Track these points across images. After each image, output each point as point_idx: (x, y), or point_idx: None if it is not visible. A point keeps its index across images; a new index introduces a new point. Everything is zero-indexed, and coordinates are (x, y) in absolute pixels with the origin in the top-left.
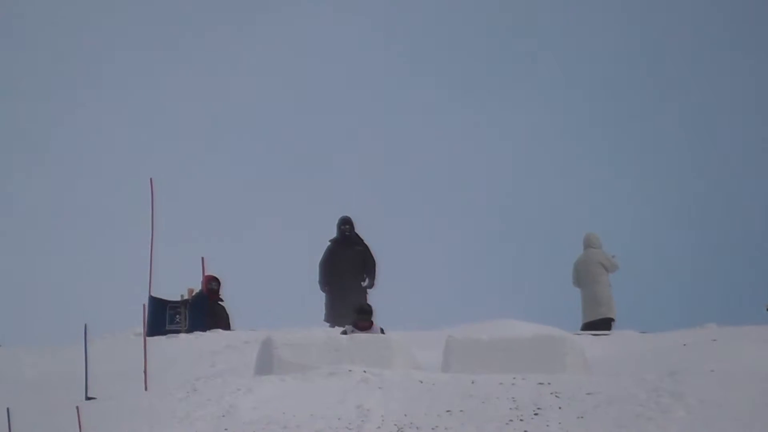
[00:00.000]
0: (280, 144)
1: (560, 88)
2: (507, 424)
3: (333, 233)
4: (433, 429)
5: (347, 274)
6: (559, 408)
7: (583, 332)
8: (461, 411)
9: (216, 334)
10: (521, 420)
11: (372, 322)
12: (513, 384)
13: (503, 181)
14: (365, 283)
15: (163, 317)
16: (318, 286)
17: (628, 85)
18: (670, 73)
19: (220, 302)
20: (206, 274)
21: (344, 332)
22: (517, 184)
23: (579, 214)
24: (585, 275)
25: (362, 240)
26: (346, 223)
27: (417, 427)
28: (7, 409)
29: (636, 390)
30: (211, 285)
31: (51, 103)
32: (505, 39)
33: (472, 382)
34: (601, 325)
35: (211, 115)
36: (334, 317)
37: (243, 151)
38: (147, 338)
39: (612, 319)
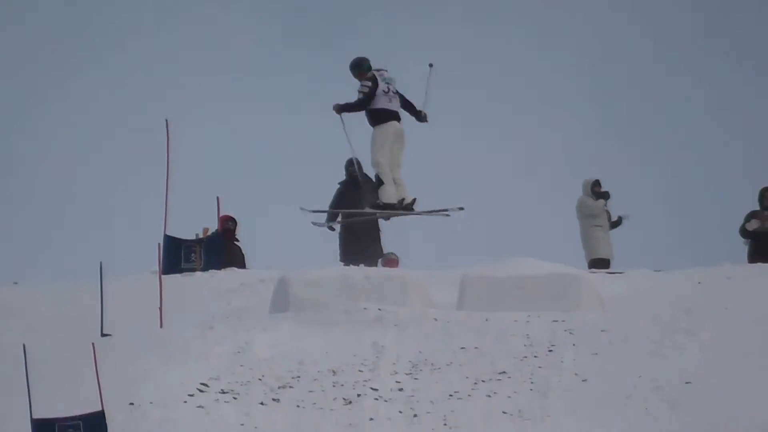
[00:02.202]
0: (295, 84)
1: None
2: (521, 360)
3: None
4: (447, 365)
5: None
6: (573, 345)
7: (597, 270)
8: (476, 348)
9: (231, 273)
10: (535, 357)
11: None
12: (527, 321)
13: (523, 118)
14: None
15: (178, 256)
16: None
17: None
18: None
19: (235, 242)
20: (222, 213)
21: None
22: (535, 121)
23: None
24: (581, 217)
25: (371, 179)
26: (352, 164)
27: (431, 364)
28: (23, 346)
29: (650, 327)
30: (227, 224)
31: (63, 43)
32: None
33: (487, 320)
34: (598, 265)
35: (228, 55)
36: (348, 258)
37: (259, 91)
38: (162, 276)
39: (602, 259)
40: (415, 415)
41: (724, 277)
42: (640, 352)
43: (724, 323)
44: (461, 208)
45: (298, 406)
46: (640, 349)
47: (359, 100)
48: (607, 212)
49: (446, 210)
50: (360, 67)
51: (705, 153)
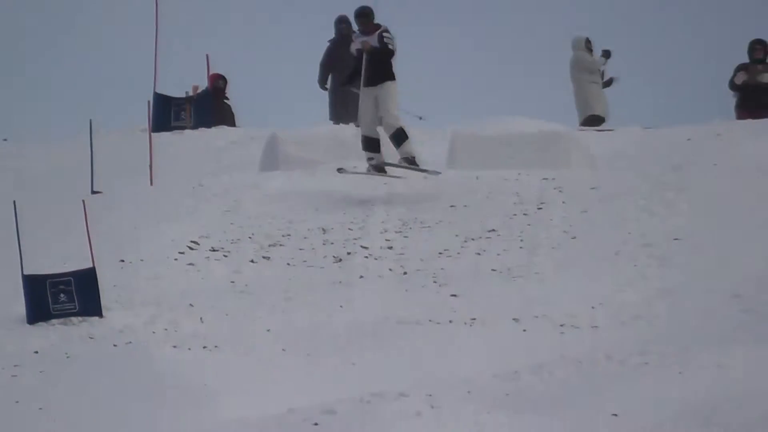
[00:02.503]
0: None
1: None
2: (510, 218)
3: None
4: (437, 224)
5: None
6: (563, 203)
7: (586, 128)
8: (465, 206)
9: (221, 131)
10: (525, 214)
11: (376, 25)
12: (517, 179)
13: None
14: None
15: (168, 114)
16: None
17: None
18: None
19: (225, 100)
20: (212, 72)
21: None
22: None
23: (586, 11)
24: (574, 74)
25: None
26: (342, 22)
27: (421, 222)
28: (14, 202)
29: (640, 184)
30: (217, 83)
31: None
32: None
33: (477, 178)
34: (591, 122)
35: None
36: (338, 116)
37: None
38: (152, 134)
39: (597, 116)
40: (404, 273)
41: (713, 134)
42: (629, 209)
43: (713, 179)
44: (437, 172)
45: (288, 264)
46: (629, 206)
47: (394, 49)
48: (601, 72)
49: (426, 170)
50: (369, 17)
51: (694, 7)
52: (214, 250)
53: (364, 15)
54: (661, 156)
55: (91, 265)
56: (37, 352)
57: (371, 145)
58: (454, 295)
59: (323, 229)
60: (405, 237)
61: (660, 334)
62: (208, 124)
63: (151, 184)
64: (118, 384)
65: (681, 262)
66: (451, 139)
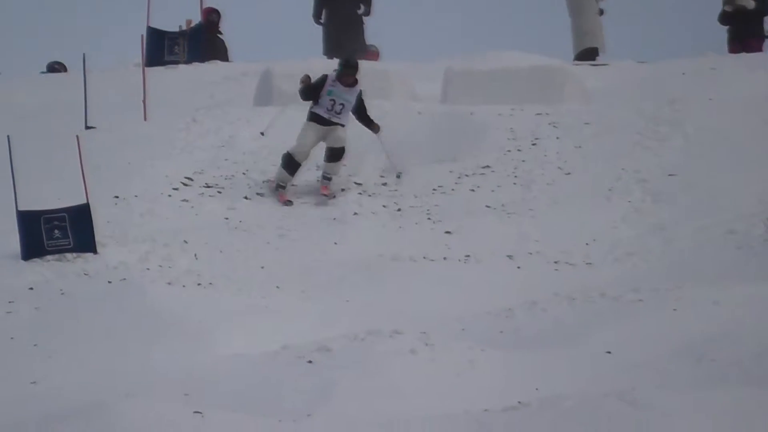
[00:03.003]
0: None
1: None
2: (505, 154)
3: None
4: (432, 160)
5: (344, 6)
6: (557, 138)
7: (581, 62)
8: (459, 141)
9: (214, 66)
10: (519, 150)
11: (356, 79)
12: (511, 115)
13: None
14: (361, 11)
15: (161, 48)
16: (312, 20)
17: None
18: None
19: (219, 34)
20: (206, 6)
21: (323, 79)
22: None
23: None
24: (572, 6)
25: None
26: None
27: (416, 158)
28: (8, 137)
29: (634, 119)
30: (211, 17)
31: None
32: None
33: (471, 113)
34: (587, 54)
35: None
36: (332, 50)
37: None
38: (145, 69)
39: (597, 49)
40: (398, 209)
41: (708, 68)
42: (623, 145)
43: (707, 114)
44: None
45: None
46: (623, 141)
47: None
48: (598, 3)
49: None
50: (357, 70)
51: None
52: (208, 186)
53: (353, 67)
54: (656, 90)
55: (85, 201)
56: (31, 288)
57: (292, 167)
58: (449, 232)
59: (317, 165)
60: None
61: (654, 270)
62: (202, 59)
63: (145, 119)
64: (112, 320)
65: (675, 198)
66: (445, 75)
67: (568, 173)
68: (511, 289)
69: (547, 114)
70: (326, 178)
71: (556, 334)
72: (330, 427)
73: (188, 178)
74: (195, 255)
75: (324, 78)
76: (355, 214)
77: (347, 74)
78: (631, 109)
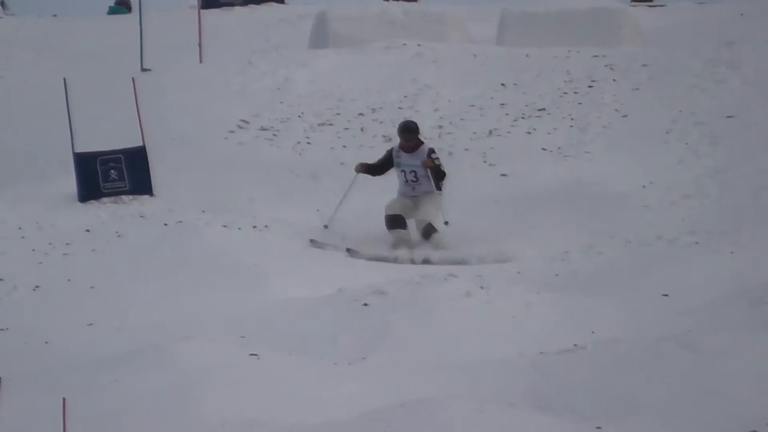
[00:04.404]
0: None
1: None
2: (561, 97)
3: None
4: (491, 98)
5: None
6: (614, 80)
7: (637, 3)
8: (515, 84)
9: (270, 8)
10: (575, 93)
11: (419, 141)
12: (567, 57)
13: None
14: None
15: None
16: None
17: None
18: None
19: None
20: None
21: (389, 153)
22: None
23: None
24: None
25: None
26: None
27: (469, 100)
28: (64, 80)
29: (691, 61)
30: None
31: None
32: None
33: (527, 56)
34: None
35: None
36: None
37: None
38: (201, 11)
39: None
40: (450, 153)
41: (766, 9)
42: (680, 87)
43: (766, 55)
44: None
45: (338, 138)
46: (680, 83)
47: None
48: None
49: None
50: (416, 132)
51: None
52: (263, 129)
53: (411, 131)
54: (714, 32)
55: (141, 143)
56: (88, 231)
57: (396, 222)
58: (504, 175)
59: (372, 108)
60: (455, 116)
61: (711, 213)
62: (258, 1)
63: (201, 61)
64: (168, 263)
65: (733, 140)
66: (501, 17)
67: (625, 116)
68: (567, 232)
69: (603, 56)
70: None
71: (612, 277)
72: (385, 370)
73: (244, 121)
74: (251, 198)
75: (389, 152)
76: None
77: (407, 139)
78: (688, 51)
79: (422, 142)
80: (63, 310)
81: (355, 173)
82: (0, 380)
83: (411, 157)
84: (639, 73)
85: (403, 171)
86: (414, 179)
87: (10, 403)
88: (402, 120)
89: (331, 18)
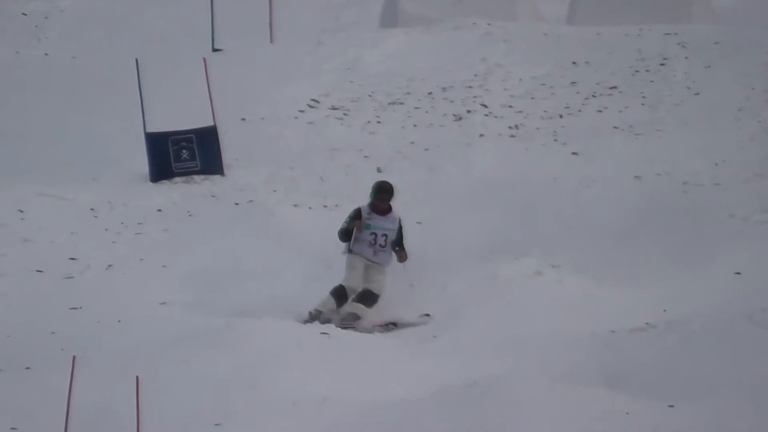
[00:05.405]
0: None
1: None
2: (633, 75)
3: None
4: (562, 77)
5: None
6: (686, 58)
7: None
8: (586, 63)
9: None
10: (647, 71)
11: (391, 207)
12: (638, 35)
13: None
14: None
15: None
16: None
17: None
18: None
19: None
20: None
21: (358, 212)
22: None
23: None
24: None
25: None
26: None
27: (541, 79)
28: (136, 60)
29: (764, 38)
30: None
31: None
32: None
33: (598, 34)
34: None
35: None
36: None
37: None
38: None
39: None
40: (515, 126)
41: None
42: (753, 64)
43: None
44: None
45: (408, 118)
46: (753, 60)
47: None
48: None
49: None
50: (391, 194)
51: None
52: (334, 109)
53: (387, 192)
54: None
55: (212, 123)
56: (160, 210)
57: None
58: (575, 153)
59: (443, 87)
60: (525, 95)
61: None
62: None
63: (271, 42)
64: (239, 242)
65: None
66: None
67: (697, 93)
68: (639, 210)
69: (675, 34)
70: (349, 319)
71: (684, 255)
72: (456, 347)
73: (314, 101)
74: (321, 177)
75: (358, 211)
76: (481, 135)
77: (381, 200)
78: (761, 28)
79: (390, 208)
80: (135, 289)
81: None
82: (74, 358)
83: (383, 220)
84: (711, 51)
85: (373, 234)
86: (383, 244)
87: (84, 381)
88: (377, 181)
89: None
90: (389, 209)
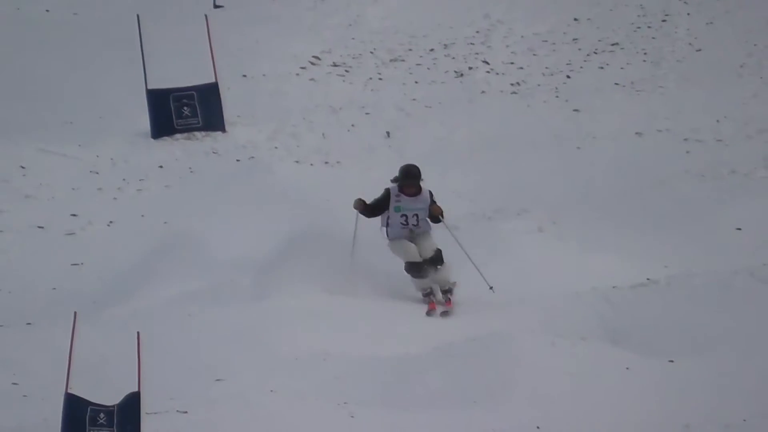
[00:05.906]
0: None
1: None
2: (634, 31)
3: None
4: (564, 33)
5: None
6: (688, 14)
7: None
8: (588, 19)
9: None
10: (649, 27)
11: (420, 187)
12: None
13: None
14: None
15: None
16: None
17: None
18: None
19: None
20: None
21: (387, 194)
22: None
23: None
24: None
25: None
26: None
27: (543, 37)
28: (137, 17)
29: None
30: None
31: None
32: None
33: None
34: None
35: None
36: None
37: None
38: None
39: None
40: (517, 83)
41: None
42: (755, 20)
43: None
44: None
45: (410, 75)
46: (755, 16)
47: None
48: None
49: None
50: (419, 178)
51: None
52: (335, 65)
53: (414, 177)
54: None
55: (213, 80)
56: (161, 167)
57: (421, 271)
58: (577, 110)
59: (444, 44)
60: (526, 51)
61: None
62: None
63: None
64: (241, 198)
65: None
66: None
67: (699, 50)
68: (640, 167)
69: None
70: (445, 291)
71: (686, 211)
72: (457, 305)
73: (316, 57)
74: (323, 134)
75: (386, 193)
76: (483, 92)
77: (409, 185)
78: None
79: (421, 188)
80: (136, 245)
81: (355, 210)
82: (75, 314)
83: (413, 201)
84: (713, 7)
85: (404, 215)
86: (415, 223)
87: (85, 336)
88: (403, 165)
89: None
90: (419, 190)
